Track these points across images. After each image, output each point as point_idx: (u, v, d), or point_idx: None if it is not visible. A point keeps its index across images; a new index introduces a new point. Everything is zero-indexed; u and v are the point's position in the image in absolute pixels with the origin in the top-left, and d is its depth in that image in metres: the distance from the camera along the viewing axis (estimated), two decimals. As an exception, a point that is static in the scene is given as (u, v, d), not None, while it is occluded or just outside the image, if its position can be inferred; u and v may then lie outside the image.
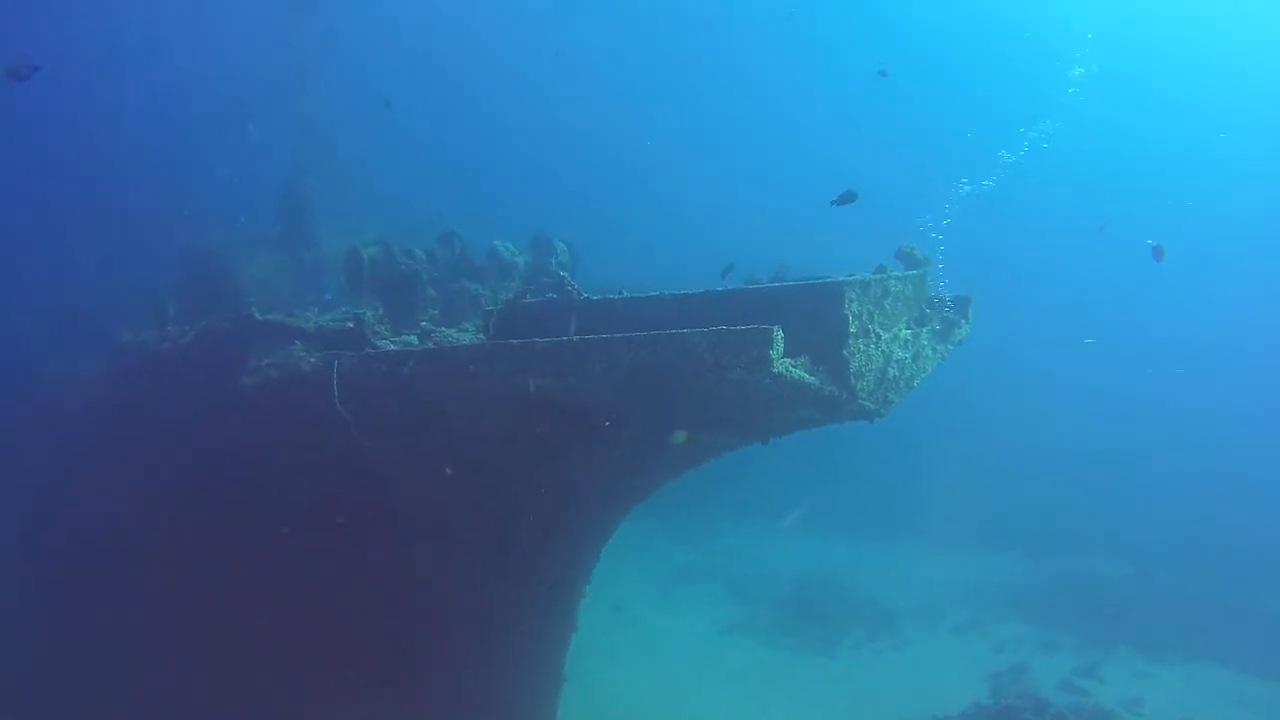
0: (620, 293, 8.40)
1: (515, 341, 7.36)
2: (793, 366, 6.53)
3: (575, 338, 6.92)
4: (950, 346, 8.46)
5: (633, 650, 17.64)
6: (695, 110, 53.63)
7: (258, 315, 10.20)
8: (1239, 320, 42.69)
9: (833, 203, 9.24)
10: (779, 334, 6.25)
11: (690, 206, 48.39)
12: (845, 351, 6.97)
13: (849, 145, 52.20)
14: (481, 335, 9.13)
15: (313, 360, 8.98)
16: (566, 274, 8.83)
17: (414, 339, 9.62)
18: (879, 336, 7.32)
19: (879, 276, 7.44)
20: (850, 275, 7.33)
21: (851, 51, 50.78)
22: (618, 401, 7.18)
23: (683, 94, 53.46)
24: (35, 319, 18.60)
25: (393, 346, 9.22)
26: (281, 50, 17.56)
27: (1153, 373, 36.32)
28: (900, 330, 7.67)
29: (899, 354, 7.59)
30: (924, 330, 8.05)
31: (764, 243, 39.35)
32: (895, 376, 7.58)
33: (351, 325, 9.74)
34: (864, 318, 7.16)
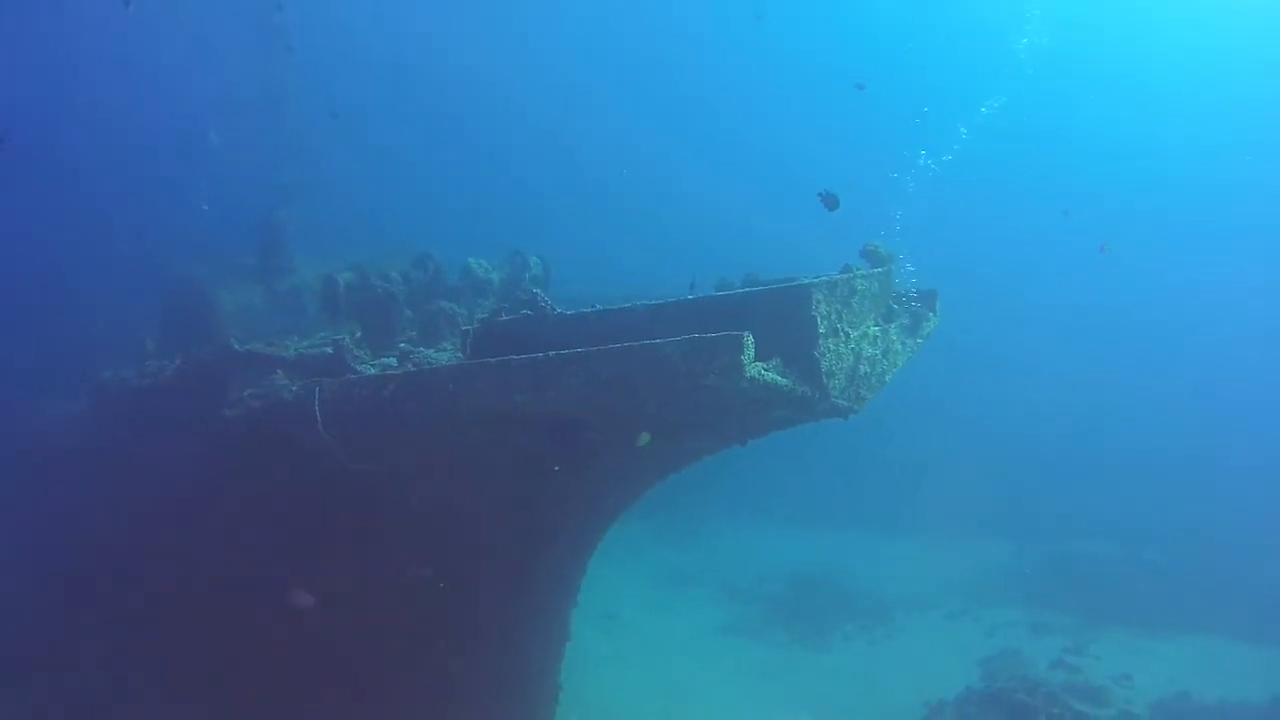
0: (593, 306, 8.54)
1: (493, 360, 7.49)
2: (765, 370, 6.68)
3: (551, 353, 7.04)
4: (920, 340, 8.62)
5: (627, 655, 17.75)
6: (654, 108, 53.73)
7: (237, 346, 10.31)
8: (1220, 300, 43.11)
9: (818, 194, 9.30)
10: (749, 339, 6.40)
11: (653, 204, 48.35)
12: (815, 352, 7.11)
13: (806, 132, 52.50)
14: (459, 355, 9.24)
15: (294, 389, 9.08)
16: (540, 290, 8.96)
17: (393, 361, 9.75)
18: (848, 335, 7.47)
19: (845, 276, 7.59)
20: (817, 276, 7.49)
21: (803, 35, 51.27)
22: (596, 413, 7.31)
23: (641, 93, 53.58)
24: (15, 357, 18.56)
25: (373, 370, 9.34)
26: (251, 79, 17.62)
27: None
28: (869, 327, 7.82)
29: (869, 351, 7.75)
30: (892, 326, 8.21)
31: (731, 237, 39.73)
32: (866, 373, 7.74)
33: (331, 351, 9.87)
34: (832, 317, 7.30)
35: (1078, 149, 50.14)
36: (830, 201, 8.99)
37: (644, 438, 7.55)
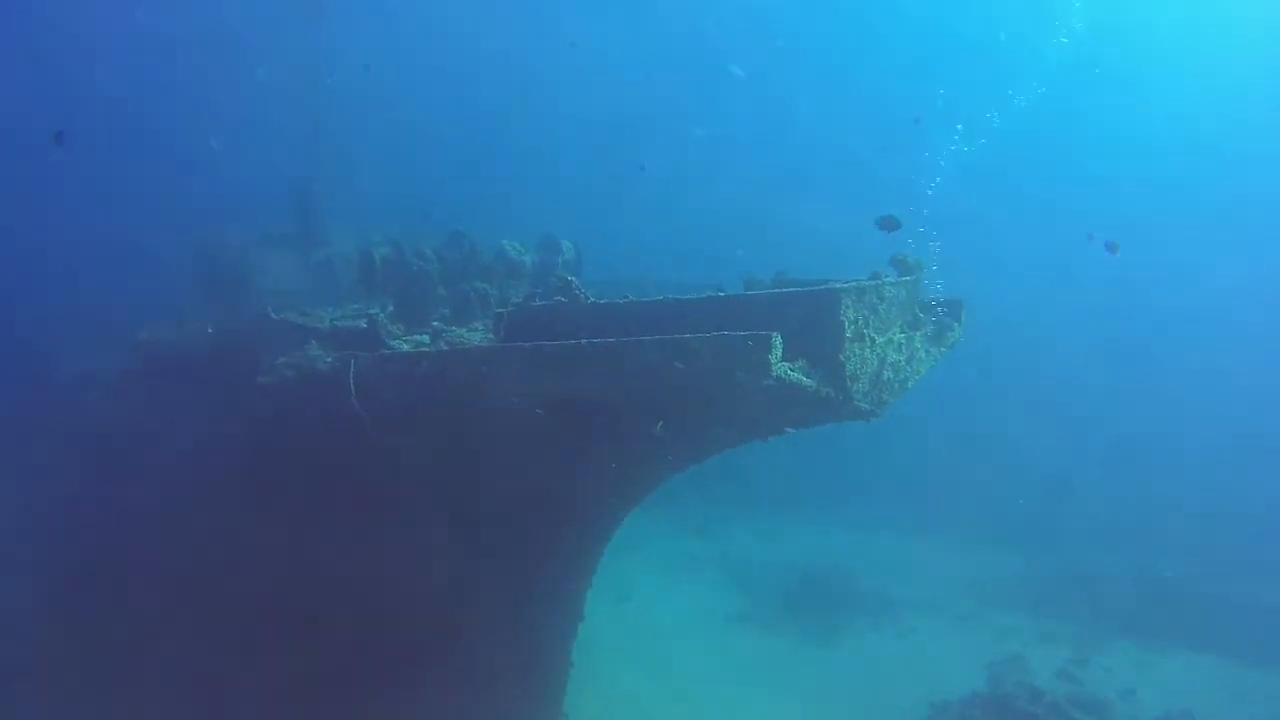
0: (625, 296, 8.69)
1: (525, 344, 7.67)
2: (791, 370, 6.83)
3: (582, 341, 7.21)
4: (944, 349, 8.75)
5: (637, 637, 17.97)
6: (681, 91, 53.62)
7: (274, 315, 10.53)
8: (1242, 305, 42.63)
9: (877, 221, 9.52)
10: (778, 339, 6.56)
11: (677, 189, 48.34)
12: (841, 355, 7.24)
13: (837, 119, 52.27)
14: (491, 336, 9.42)
15: (329, 360, 9.29)
16: (574, 278, 9.12)
17: (426, 338, 9.94)
18: (873, 340, 7.60)
19: (874, 283, 7.72)
20: (847, 282, 7.62)
21: (824, 25, 51.09)
22: (623, 402, 7.48)
23: (670, 76, 53.46)
24: (43, 316, 18.81)
25: (405, 346, 9.54)
26: (291, 54, 17.76)
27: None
28: (894, 334, 7.95)
29: (893, 357, 7.88)
30: (917, 334, 8.34)
31: (756, 223, 39.75)
32: (889, 379, 7.87)
33: (365, 325, 10.08)
34: (859, 323, 7.43)
35: (1102, 147, 49.76)
36: (889, 223, 9.20)
37: (658, 425, 7.72)
